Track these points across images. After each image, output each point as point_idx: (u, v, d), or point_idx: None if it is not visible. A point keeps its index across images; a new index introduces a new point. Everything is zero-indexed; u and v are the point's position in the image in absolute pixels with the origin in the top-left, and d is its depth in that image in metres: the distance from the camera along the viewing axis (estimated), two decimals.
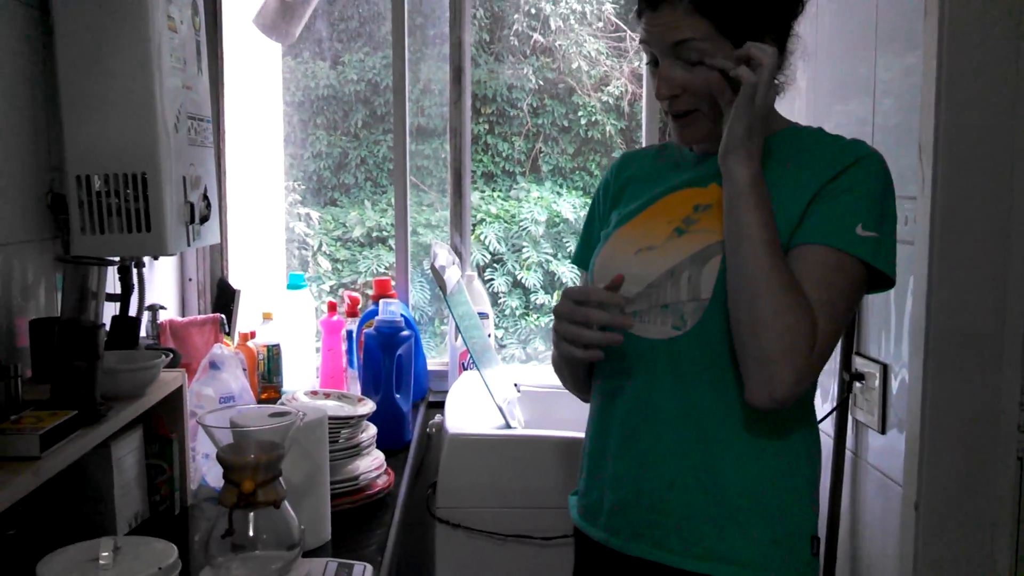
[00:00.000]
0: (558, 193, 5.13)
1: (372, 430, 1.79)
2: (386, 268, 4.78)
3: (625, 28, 5.13)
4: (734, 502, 1.22)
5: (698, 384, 1.24)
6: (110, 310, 1.68)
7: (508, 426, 2.06)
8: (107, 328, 1.41)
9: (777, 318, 1.13)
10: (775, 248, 1.16)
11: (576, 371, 1.41)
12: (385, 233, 4.95)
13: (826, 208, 1.20)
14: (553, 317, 1.26)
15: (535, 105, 5.20)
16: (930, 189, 1.55)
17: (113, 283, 1.76)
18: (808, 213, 1.21)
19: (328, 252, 4.97)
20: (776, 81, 1.28)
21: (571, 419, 2.06)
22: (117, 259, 1.73)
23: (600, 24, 5.19)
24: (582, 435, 1.95)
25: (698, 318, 1.22)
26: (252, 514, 1.23)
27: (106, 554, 1.12)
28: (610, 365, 1.32)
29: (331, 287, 4.87)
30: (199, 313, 2.50)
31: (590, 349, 1.21)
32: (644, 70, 2.71)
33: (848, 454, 1.87)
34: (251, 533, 1.23)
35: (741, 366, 1.19)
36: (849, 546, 1.88)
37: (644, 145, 2.68)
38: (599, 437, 1.35)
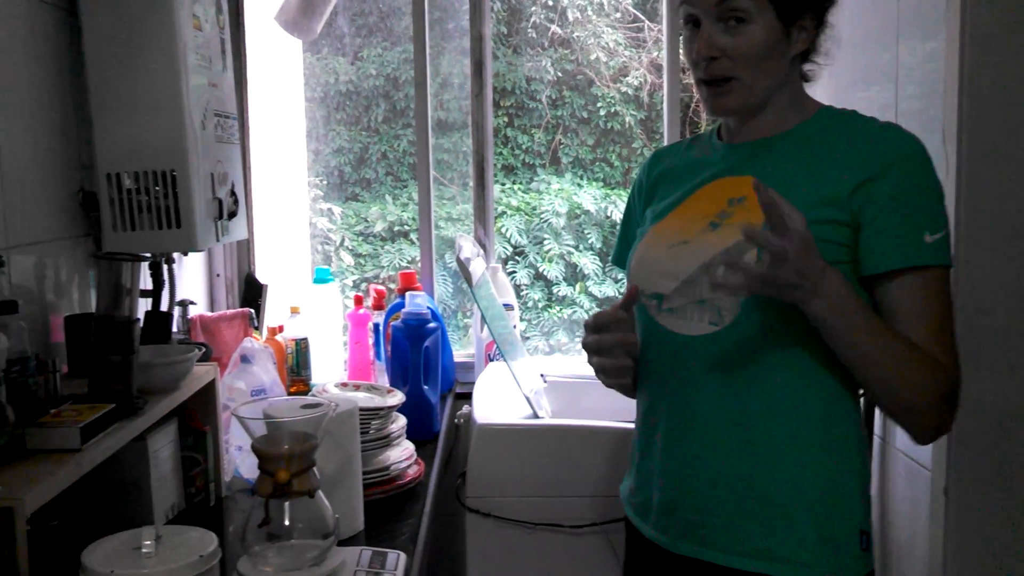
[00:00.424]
0: (579, 185, 5.13)
1: (402, 421, 1.81)
2: (408, 262, 4.80)
3: (643, 18, 5.12)
4: (780, 499, 1.20)
5: (739, 379, 1.22)
6: (142, 306, 1.70)
7: (536, 416, 2.07)
8: (141, 323, 1.43)
9: (924, 399, 1.16)
10: (890, 343, 1.15)
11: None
12: (406, 227, 4.96)
13: (888, 224, 1.17)
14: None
15: (554, 97, 5.19)
16: (955, 175, 1.55)
17: (144, 279, 1.78)
18: (868, 229, 1.18)
19: (350, 247, 4.99)
20: (808, 69, 1.30)
21: (598, 408, 2.07)
22: (149, 255, 1.76)
23: (618, 15, 5.18)
24: (610, 424, 1.98)
25: (736, 313, 1.21)
26: (287, 503, 1.25)
27: (148, 543, 1.14)
28: (652, 363, 1.32)
29: (354, 282, 4.89)
30: (227, 308, 2.53)
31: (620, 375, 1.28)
32: (664, 59, 2.71)
33: (876, 439, 1.87)
34: (287, 522, 1.25)
35: (894, 419, 1.23)
36: (879, 530, 1.88)
37: (665, 134, 2.69)
38: (646, 435, 1.34)
